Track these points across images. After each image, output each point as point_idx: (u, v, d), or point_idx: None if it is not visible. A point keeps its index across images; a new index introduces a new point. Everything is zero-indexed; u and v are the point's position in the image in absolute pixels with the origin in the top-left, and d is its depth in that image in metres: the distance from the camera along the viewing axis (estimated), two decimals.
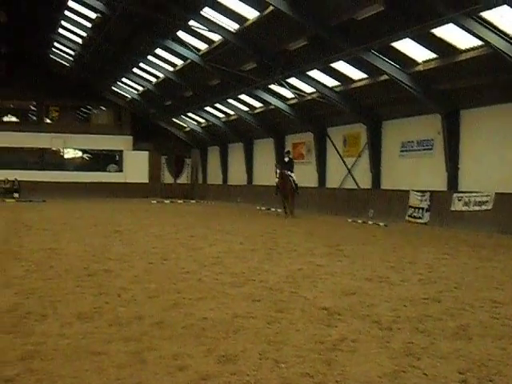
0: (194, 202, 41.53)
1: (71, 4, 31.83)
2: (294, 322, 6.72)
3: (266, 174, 35.18)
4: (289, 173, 25.47)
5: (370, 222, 22.52)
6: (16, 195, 40.91)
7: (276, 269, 10.54)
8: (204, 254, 12.53)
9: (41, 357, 5.26)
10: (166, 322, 6.54)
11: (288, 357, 5.38)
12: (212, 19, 25.15)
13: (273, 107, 31.75)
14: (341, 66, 24.27)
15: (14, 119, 50.39)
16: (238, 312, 7.10)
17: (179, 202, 40.32)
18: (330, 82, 26.20)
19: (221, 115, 39.79)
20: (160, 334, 6.05)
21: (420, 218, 22.73)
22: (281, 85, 28.15)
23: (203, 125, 43.80)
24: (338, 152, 29.69)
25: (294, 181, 25.38)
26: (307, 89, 27.92)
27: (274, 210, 27.97)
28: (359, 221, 23.20)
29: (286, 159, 26.35)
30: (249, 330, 6.32)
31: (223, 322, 6.64)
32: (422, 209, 22.72)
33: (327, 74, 25.62)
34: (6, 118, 50.01)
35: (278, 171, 25.66)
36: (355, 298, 8.12)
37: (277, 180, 25.84)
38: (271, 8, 21.63)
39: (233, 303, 7.63)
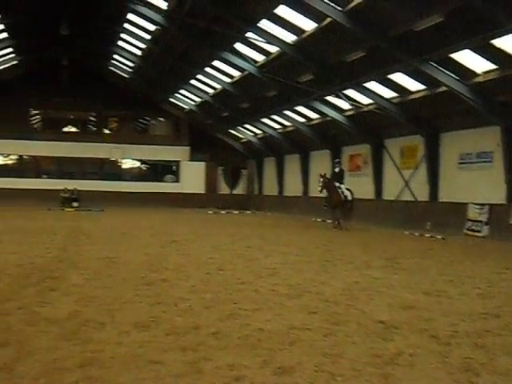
0: (249, 212, 41.59)
1: (131, 17, 32.33)
2: (350, 334, 6.67)
3: None
4: (337, 184, 24.94)
5: (428, 235, 22.24)
6: (75, 204, 41.53)
7: (332, 281, 10.49)
8: (260, 264, 12.54)
9: (99, 364, 5.32)
10: (222, 333, 6.56)
11: (344, 370, 5.35)
12: (269, 31, 25.26)
13: (329, 118, 31.66)
14: (398, 77, 24.08)
15: (74, 130, 51.37)
16: (294, 324, 7.09)
17: (235, 212, 40.43)
18: (388, 93, 26.01)
19: (277, 126, 39.85)
20: (216, 344, 6.08)
21: (478, 231, 22.38)
22: (338, 96, 28.07)
23: (260, 136, 43.93)
24: (394, 164, 29.43)
25: (342, 192, 24.75)
26: (364, 100, 27.78)
27: (329, 221, 27.83)
28: (416, 233, 22.93)
29: (337, 169, 25.98)
30: (305, 341, 6.30)
31: (279, 333, 6.63)
32: (481, 222, 22.37)
33: (385, 86, 25.45)
34: (66, 129, 51.04)
35: (321, 182, 25.09)
36: (412, 311, 8.03)
37: (319, 190, 25.33)
38: (329, 19, 21.61)
39: (289, 315, 7.62)
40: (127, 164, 51.37)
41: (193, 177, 48.70)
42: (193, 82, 39.41)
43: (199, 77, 37.55)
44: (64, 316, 7.17)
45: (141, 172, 51.99)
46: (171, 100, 46.71)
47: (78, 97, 46.50)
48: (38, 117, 51.43)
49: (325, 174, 25.70)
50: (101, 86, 45.85)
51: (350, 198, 24.96)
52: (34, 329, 6.54)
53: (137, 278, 10.24)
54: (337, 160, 27.50)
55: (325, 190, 25.14)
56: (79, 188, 43.11)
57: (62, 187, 42.88)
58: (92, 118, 51.40)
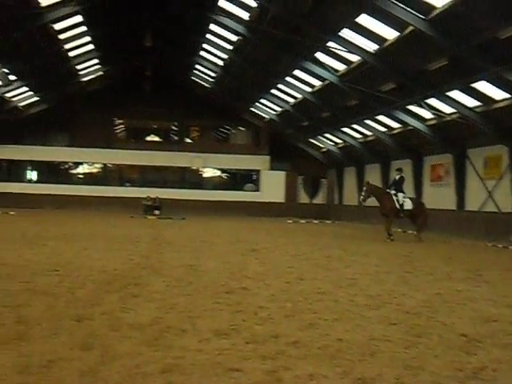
0: (329, 222, 41.42)
1: (213, 27, 32.73)
2: (431, 347, 6.56)
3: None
4: (394, 191, 23.99)
5: None
6: (157, 212, 42.20)
7: (413, 292, 10.35)
8: (340, 274, 12.47)
9: (180, 371, 5.37)
10: (301, 342, 6.55)
11: (425, 383, 5.27)
12: (351, 40, 25.19)
13: (411, 128, 31.27)
14: (482, 86, 23.60)
15: (156, 139, 52.25)
16: (374, 335, 7.02)
17: (315, 222, 40.34)
18: (471, 102, 25.51)
19: (358, 136, 39.61)
20: (296, 354, 6.06)
21: None
22: (420, 105, 27.73)
23: (340, 145, 43.76)
24: (477, 174, 28.80)
25: (397, 200, 23.61)
26: (447, 109, 27.33)
27: (409, 232, 27.40)
28: (500, 245, 22.41)
29: (397, 177, 24.98)
30: (385, 353, 6.23)
31: (359, 344, 6.57)
32: None
33: (468, 95, 24.98)
34: (149, 138, 51.94)
35: (364, 191, 24.30)
36: (496, 325, 7.84)
37: (362, 199, 24.50)
38: (411, 28, 21.41)
39: (369, 325, 7.55)
40: (208, 173, 51.91)
41: (273, 186, 48.83)
42: (273, 91, 39.59)
43: (280, 86, 37.71)
44: (146, 322, 7.28)
45: (221, 181, 52.43)
46: (252, 109, 47.01)
47: (160, 106, 47.38)
48: (121, 126, 52.59)
49: (368, 182, 25.17)
50: (183, 96, 46.61)
51: (409, 207, 23.80)
52: (117, 334, 6.66)
53: (217, 285, 10.32)
54: (398, 167, 26.29)
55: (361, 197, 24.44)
56: (161, 196, 43.78)
57: (144, 195, 43.65)
58: (174, 128, 52.18)
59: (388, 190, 24.42)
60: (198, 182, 50.93)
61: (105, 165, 50.64)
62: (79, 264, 12.58)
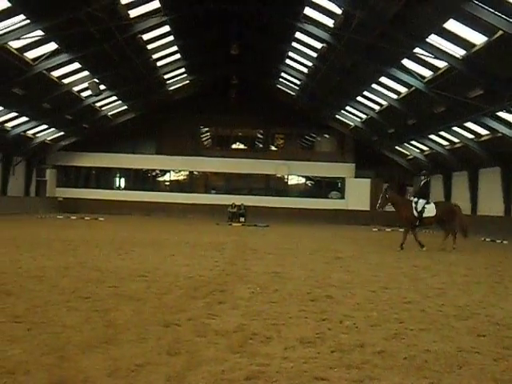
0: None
1: (298, 35, 32.79)
2: None
3: (493, 203, 33.91)
4: (415, 198, 22.47)
5: None
6: (242, 219, 42.50)
7: (503, 303, 10.08)
8: (426, 284, 12.26)
9: (265, 378, 5.39)
10: (387, 352, 6.47)
11: None
12: (438, 46, 24.82)
13: (500, 135, 30.53)
14: None
15: (241, 146, 52.65)
16: (463, 346, 6.87)
17: (400, 230, 39.73)
18: None
19: (445, 143, 38.94)
20: (382, 364, 6.00)
21: None
22: (509, 112, 27.05)
23: (426, 152, 43.12)
24: None
25: (416, 208, 22.01)
26: None
27: (499, 241, 26.68)
28: None
29: (422, 182, 23.82)
30: (474, 365, 6.09)
31: (447, 355, 6.44)
32: None
33: None
34: (234, 146, 52.39)
35: (381, 197, 23.11)
36: None
37: (378, 206, 23.12)
38: (500, 32, 20.95)
39: (457, 336, 7.39)
40: (293, 180, 51.99)
41: (358, 193, 48.53)
42: (359, 98, 39.33)
43: (365, 93, 37.44)
44: (231, 328, 7.32)
45: (306, 188, 52.44)
46: (337, 116, 46.82)
47: (246, 114, 47.82)
48: (207, 134, 53.25)
49: (386, 189, 24.02)
50: (268, 104, 46.92)
51: (430, 213, 22.09)
52: (203, 340, 6.73)
53: (302, 293, 10.30)
54: (423, 171, 24.83)
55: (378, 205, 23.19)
56: (246, 203, 44.08)
57: (229, 202, 44.02)
58: (259, 135, 52.51)
59: (411, 198, 23.23)
60: (283, 189, 51.10)
61: (191, 172, 51.38)
62: (166, 270, 12.77)
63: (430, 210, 22.13)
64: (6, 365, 5.44)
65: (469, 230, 22.97)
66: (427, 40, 24.92)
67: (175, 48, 37.02)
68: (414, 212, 22.04)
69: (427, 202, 22.37)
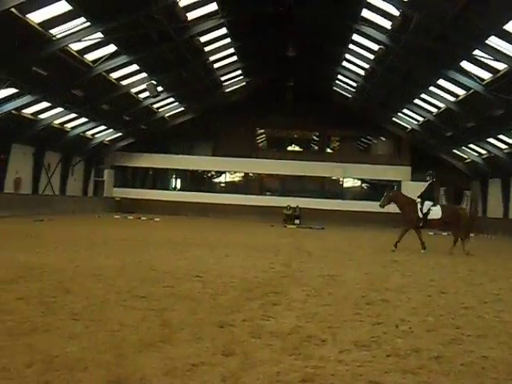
0: (472, 235, 40.09)
1: (355, 37, 32.61)
2: None
3: None
4: (419, 199, 22.15)
5: None
6: (297, 222, 42.48)
7: None
8: (484, 289, 12.07)
9: (320, 381, 5.38)
10: (444, 357, 6.38)
11: None
12: (498, 48, 24.42)
13: None
14: None
15: (297, 149, 52.64)
16: None
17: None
18: None
19: (504, 146, 38.25)
20: (438, 369, 5.92)
21: None
22: None
23: (484, 156, 42.41)
24: None
25: (421, 209, 21.69)
26: None
27: None
28: None
29: (427, 183, 22.89)
30: None
31: (505, 362, 6.33)
32: None
33: None
34: (290, 148, 52.40)
35: (385, 196, 22.94)
36: None
37: (380, 205, 23.03)
38: None
39: None
40: (348, 183, 51.75)
41: (414, 197, 47.91)
42: (416, 101, 38.95)
43: (423, 96, 37.06)
44: (286, 330, 7.32)
45: (361, 191, 52.15)
46: (393, 119, 46.44)
47: (301, 116, 47.78)
48: (263, 136, 53.37)
49: (391, 188, 23.30)
50: (324, 106, 46.78)
51: (436, 216, 21.71)
52: (258, 341, 6.75)
53: (357, 296, 10.25)
54: (429, 172, 23.37)
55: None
56: (301, 206, 44.03)
57: (284, 205, 44.04)
58: (315, 138, 52.43)
59: (417, 199, 22.48)
60: (338, 191, 50.90)
61: (246, 174, 51.54)
62: (221, 271, 12.83)
63: (436, 213, 21.79)
64: (64, 361, 5.54)
65: (470, 236, 22.69)
66: (487, 42, 24.55)
67: (232, 50, 37.22)
68: (419, 213, 21.75)
69: (433, 205, 22.01)
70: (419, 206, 21.84)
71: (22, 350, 5.87)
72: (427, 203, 21.86)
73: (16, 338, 6.37)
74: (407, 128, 46.76)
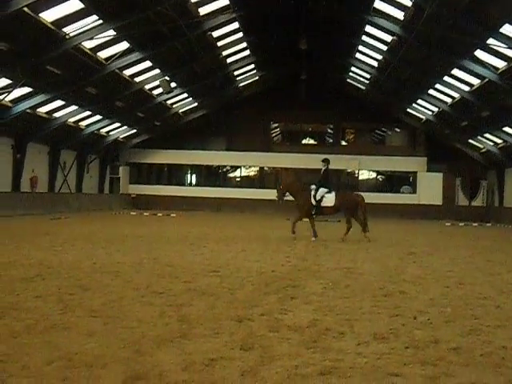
0: (489, 225, 40.02)
1: (368, 29, 32.50)
2: None
3: None
4: (314, 186, 21.56)
5: None
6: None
7: None
8: (502, 279, 12.00)
9: (339, 373, 5.36)
10: (463, 348, 6.35)
11: None
12: None
13: None
14: None
15: (312, 142, 52.58)
16: None
17: (474, 224, 39.10)
18: None
19: None
20: (457, 360, 5.88)
21: None
22: None
23: (500, 145, 42.16)
24: None
25: (315, 196, 21.09)
26: None
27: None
28: None
29: (322, 170, 22.23)
30: None
31: None
32: None
33: None
34: (304, 141, 52.34)
35: (277, 190, 22.35)
36: None
37: (276, 197, 22.09)
38: None
39: None
40: (364, 175, 51.64)
41: (430, 188, 47.90)
42: (430, 91, 38.77)
43: (437, 86, 36.89)
44: (304, 324, 7.31)
45: (377, 183, 52.06)
46: (408, 110, 46.27)
47: (315, 109, 47.73)
48: (277, 130, 53.33)
49: (283, 180, 22.57)
50: (338, 99, 46.71)
51: (329, 203, 21.25)
52: (276, 335, 6.74)
53: (375, 288, 10.22)
54: (323, 159, 22.71)
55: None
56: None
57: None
58: (329, 130, 52.34)
59: (312, 186, 21.85)
60: (354, 184, 50.79)
61: (261, 168, 51.55)
62: (238, 265, 12.84)
63: (330, 200, 21.32)
64: (84, 358, 5.56)
65: (367, 224, 22.09)
66: (501, 30, 24.40)
67: (244, 44, 37.21)
68: (312, 200, 21.24)
69: (328, 192, 21.50)
70: (313, 193, 21.28)
71: (41, 348, 5.90)
72: (321, 190, 21.32)
73: (35, 335, 6.40)
74: (422, 119, 46.59)
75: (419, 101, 42.81)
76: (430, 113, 44.20)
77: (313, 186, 21.57)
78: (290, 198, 22.24)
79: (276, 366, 5.50)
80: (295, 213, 22.33)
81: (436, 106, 41.63)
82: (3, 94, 28.98)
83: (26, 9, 22.32)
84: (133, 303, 8.28)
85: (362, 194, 45.98)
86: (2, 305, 7.93)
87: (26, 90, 30.43)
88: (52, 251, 14.61)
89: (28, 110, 32.13)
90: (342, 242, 20.50)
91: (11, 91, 28.74)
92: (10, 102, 30.80)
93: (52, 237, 19.03)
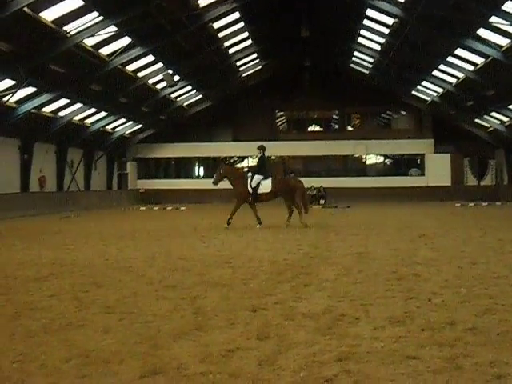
0: (499, 204, 39.92)
1: (369, 13, 32.36)
2: None
3: None
4: (250, 173, 21.85)
5: None
6: (322, 202, 42.40)
7: None
8: None
9: (356, 359, 5.37)
10: (479, 328, 6.34)
11: None
12: None
13: None
14: None
15: (317, 128, 52.50)
16: None
17: (483, 204, 39.03)
18: None
19: None
20: (474, 341, 5.88)
21: None
22: None
23: (507, 123, 41.95)
24: None
25: (250, 184, 21.11)
26: None
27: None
28: None
29: (258, 157, 22.38)
30: None
31: None
32: None
33: None
34: (310, 128, 52.27)
35: (216, 172, 22.08)
36: None
37: (213, 181, 21.82)
38: None
39: None
40: (371, 159, 51.57)
41: (438, 169, 47.78)
42: (434, 72, 38.62)
43: (441, 67, 36.74)
44: (319, 311, 7.32)
45: (385, 167, 52.00)
46: (413, 93, 46.11)
47: (320, 96, 47.68)
48: (283, 118, 53.26)
49: (225, 163, 22.43)
50: (342, 84, 46.59)
51: (266, 190, 21.17)
52: (291, 323, 6.75)
53: (388, 272, 10.22)
54: (259, 145, 22.26)
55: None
56: (325, 185, 43.95)
57: (308, 185, 43.96)
58: (335, 116, 52.25)
59: (248, 173, 22.10)
60: (362, 169, 50.81)
61: (268, 157, 51.47)
62: (250, 255, 12.86)
63: (266, 186, 21.25)
64: (101, 354, 5.59)
65: (308, 207, 22.00)
66: (503, 8, 24.26)
67: (246, 34, 37.11)
68: (249, 188, 21.21)
69: (264, 178, 21.38)
70: (249, 180, 21.26)
71: (58, 346, 5.93)
72: (257, 177, 21.26)
73: (52, 334, 6.44)
74: (427, 100, 46.42)
75: (424, 82, 42.65)
76: (435, 94, 44.04)
77: (249, 174, 21.68)
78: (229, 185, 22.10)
79: (293, 354, 5.52)
80: (236, 200, 22.10)
81: (441, 87, 41.49)
82: (7, 95, 29.02)
83: (26, 9, 22.33)
84: (147, 298, 8.31)
85: (370, 178, 46.34)
86: (18, 305, 7.98)
87: (30, 90, 30.45)
88: (64, 250, 14.67)
89: (33, 110, 32.18)
90: (349, 227, 20.41)
91: (15, 92, 28.77)
92: (15, 103, 30.84)
93: (63, 235, 19.11)
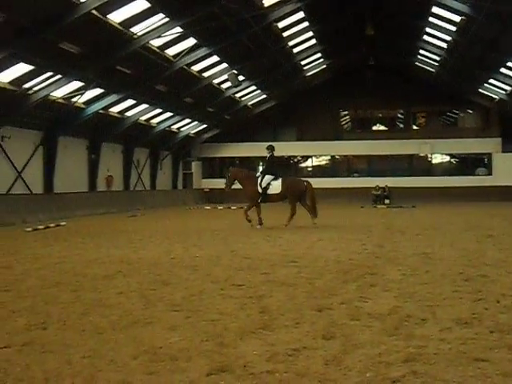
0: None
1: (435, 10, 31.91)
2: None
3: None
4: (259, 173, 21.78)
5: None
6: (387, 201, 42.07)
7: None
8: None
9: (423, 360, 5.31)
10: None
11: None
12: None
13: None
14: None
15: (382, 128, 52.06)
16: None
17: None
18: None
19: None
20: None
21: None
22: None
23: None
24: None
25: (261, 184, 21.01)
26: None
27: None
28: None
29: (267, 156, 22.14)
30: None
31: None
32: None
33: None
34: (375, 127, 51.88)
35: (229, 174, 21.95)
36: None
37: (225, 186, 21.94)
38: None
39: None
40: (436, 159, 50.91)
41: (506, 168, 46.82)
42: (502, 70, 37.87)
43: (509, 64, 35.99)
44: (385, 311, 7.28)
45: (451, 166, 51.24)
46: (480, 91, 45.30)
47: (384, 95, 47.26)
48: (347, 117, 53.00)
49: (230, 167, 22.01)
50: (407, 83, 46.14)
51: (275, 191, 21.05)
52: (357, 323, 6.73)
53: (455, 273, 10.09)
54: (268, 145, 22.30)
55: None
56: (389, 185, 43.59)
57: (372, 185, 43.67)
58: (400, 115, 51.75)
59: (258, 173, 22.00)
60: (427, 168, 50.19)
61: (333, 156, 51.37)
62: (315, 255, 12.86)
63: (276, 187, 21.07)
64: (168, 352, 5.66)
65: (317, 210, 21.49)
66: None
67: (311, 33, 37.02)
68: (259, 188, 21.04)
69: (274, 179, 21.16)
70: (259, 180, 21.15)
71: (126, 343, 6.04)
72: (267, 177, 21.17)
73: (120, 331, 6.55)
74: (495, 98, 45.52)
75: (491, 80, 41.85)
76: (503, 92, 43.14)
77: (258, 174, 21.77)
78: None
79: (359, 355, 5.50)
80: (247, 202, 22.23)
81: (509, 85, 40.63)
82: (76, 96, 29.63)
83: (94, 11, 22.73)
84: (213, 296, 8.39)
85: (436, 178, 45.72)
86: (87, 302, 8.15)
87: (98, 91, 31.03)
88: (131, 248, 14.91)
89: (100, 111, 32.80)
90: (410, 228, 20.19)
91: (83, 93, 29.37)
92: (83, 103, 31.48)
93: (130, 234, 19.40)
